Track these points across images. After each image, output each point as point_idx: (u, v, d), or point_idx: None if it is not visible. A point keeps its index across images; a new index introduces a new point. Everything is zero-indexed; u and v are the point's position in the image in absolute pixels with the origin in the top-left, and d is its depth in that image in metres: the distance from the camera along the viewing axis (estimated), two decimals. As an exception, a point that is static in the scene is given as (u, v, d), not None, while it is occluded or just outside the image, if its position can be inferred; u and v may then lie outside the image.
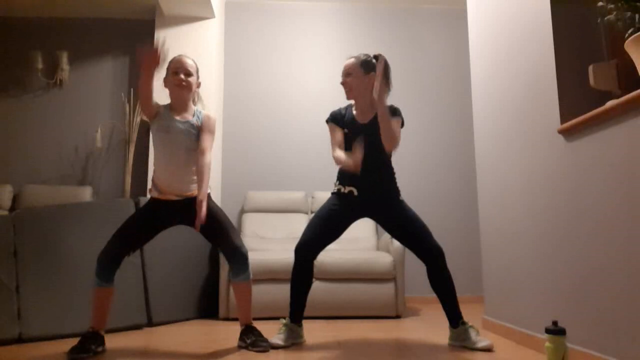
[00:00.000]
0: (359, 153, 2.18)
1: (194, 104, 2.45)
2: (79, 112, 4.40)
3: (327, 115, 4.53)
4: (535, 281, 2.27)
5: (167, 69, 2.39)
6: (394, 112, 2.41)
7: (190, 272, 3.35)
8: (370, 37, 4.71)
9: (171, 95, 2.38)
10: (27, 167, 4.29)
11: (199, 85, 2.44)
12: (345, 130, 2.46)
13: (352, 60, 2.46)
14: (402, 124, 2.46)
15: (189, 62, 2.37)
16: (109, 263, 2.23)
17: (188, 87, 2.36)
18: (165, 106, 2.39)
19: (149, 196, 2.40)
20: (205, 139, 2.34)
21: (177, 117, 2.35)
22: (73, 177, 4.31)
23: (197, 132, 2.36)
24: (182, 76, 2.34)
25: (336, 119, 2.49)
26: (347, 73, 2.45)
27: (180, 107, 2.38)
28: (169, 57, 3.66)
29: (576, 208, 1.94)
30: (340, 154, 2.34)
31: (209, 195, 2.41)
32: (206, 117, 2.39)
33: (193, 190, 2.35)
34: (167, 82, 2.38)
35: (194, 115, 2.39)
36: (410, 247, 2.38)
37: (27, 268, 2.60)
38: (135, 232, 2.29)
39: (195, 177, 2.35)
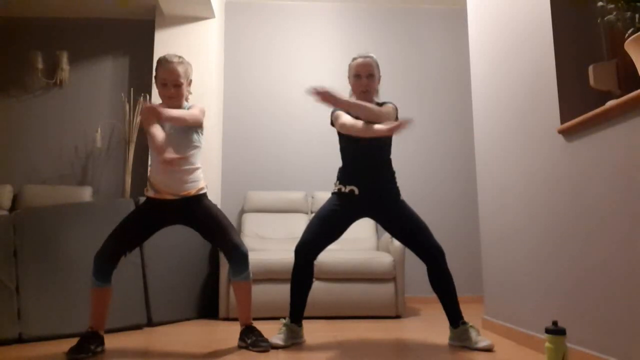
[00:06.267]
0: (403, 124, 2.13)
1: (186, 100, 2.44)
2: (79, 112, 4.40)
3: (327, 115, 4.54)
4: (535, 281, 2.27)
5: (156, 72, 2.35)
6: (386, 102, 2.46)
7: (190, 272, 3.35)
8: (370, 37, 4.71)
9: (162, 100, 2.37)
10: (27, 167, 4.30)
11: (190, 83, 2.41)
12: None
13: (370, 60, 2.45)
14: (396, 117, 2.46)
15: (177, 71, 2.30)
16: (105, 263, 2.23)
17: (178, 97, 2.34)
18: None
19: (145, 196, 2.39)
20: (193, 108, 2.34)
21: None
22: (73, 177, 4.31)
23: (188, 128, 2.34)
24: (172, 90, 2.31)
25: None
26: (371, 74, 2.44)
27: (172, 108, 2.37)
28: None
29: (576, 208, 1.94)
30: (350, 118, 2.32)
31: (205, 195, 2.40)
32: (192, 105, 2.39)
33: (189, 189, 2.34)
34: (156, 87, 2.36)
35: None
36: (410, 247, 2.39)
37: (27, 268, 2.60)
38: (131, 231, 2.28)
39: (191, 177, 2.35)
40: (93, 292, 2.23)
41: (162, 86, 2.32)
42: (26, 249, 2.62)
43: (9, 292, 2.52)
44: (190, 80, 2.42)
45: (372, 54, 2.49)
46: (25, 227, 2.65)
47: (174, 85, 2.31)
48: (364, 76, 2.44)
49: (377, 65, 2.48)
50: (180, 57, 2.35)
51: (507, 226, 2.55)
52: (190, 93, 2.46)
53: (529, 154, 2.31)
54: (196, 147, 2.38)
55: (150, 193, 2.34)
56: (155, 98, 4.04)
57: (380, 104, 2.49)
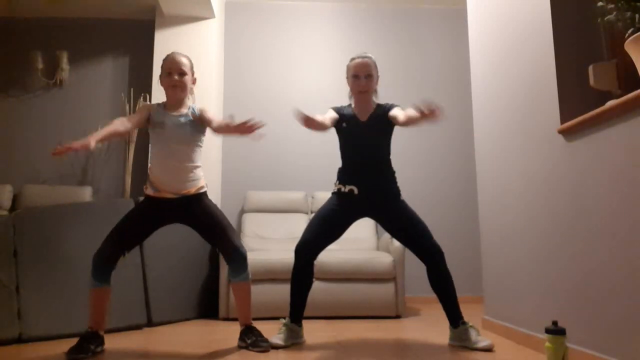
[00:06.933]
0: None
1: (191, 94, 2.46)
2: (79, 112, 4.40)
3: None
4: (535, 281, 2.27)
5: (162, 67, 2.38)
6: (394, 105, 2.48)
7: (190, 272, 3.35)
8: (371, 37, 4.71)
9: (167, 94, 2.39)
10: (27, 167, 4.29)
11: (194, 81, 2.45)
12: (344, 124, 2.47)
13: (368, 60, 2.46)
14: None
15: (182, 61, 2.37)
16: (104, 263, 2.23)
17: (183, 87, 2.36)
18: (159, 104, 2.42)
19: (144, 194, 2.40)
20: (210, 116, 2.35)
21: (172, 113, 2.37)
22: (73, 177, 4.31)
23: (192, 126, 2.36)
24: (176, 77, 2.34)
25: (337, 110, 2.52)
26: (369, 74, 2.45)
27: (176, 105, 2.40)
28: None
29: (576, 208, 1.94)
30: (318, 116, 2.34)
31: (205, 194, 2.41)
32: (201, 109, 2.41)
33: (189, 188, 2.35)
34: (162, 82, 2.39)
35: (188, 109, 2.40)
36: (410, 247, 2.39)
37: (27, 268, 2.60)
38: (130, 231, 2.28)
39: (191, 175, 2.35)
40: (92, 292, 2.23)
41: (167, 75, 2.35)
42: (26, 249, 2.62)
43: (9, 292, 2.52)
44: (195, 79, 2.46)
45: (370, 54, 2.50)
46: (25, 227, 2.65)
47: (178, 73, 2.35)
48: (363, 76, 2.44)
49: (375, 66, 2.49)
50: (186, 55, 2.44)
51: (507, 226, 2.55)
52: (192, 93, 2.47)
53: (529, 154, 2.31)
54: (199, 145, 2.40)
55: (150, 191, 2.35)
56: (155, 98, 4.04)
57: (383, 105, 2.49)
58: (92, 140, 2.05)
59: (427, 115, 1.96)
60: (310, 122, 2.16)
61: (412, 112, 2.19)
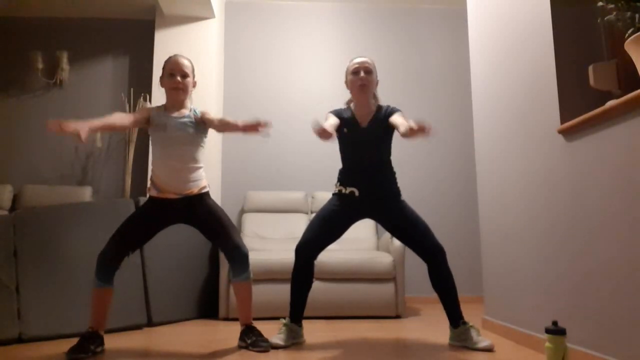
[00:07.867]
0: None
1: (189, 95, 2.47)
2: (79, 112, 4.40)
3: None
4: (535, 281, 2.27)
5: (163, 69, 2.40)
6: (395, 110, 2.46)
7: (190, 272, 3.35)
8: (370, 37, 4.71)
9: (167, 96, 2.40)
10: (27, 167, 4.29)
11: (194, 84, 2.46)
12: (345, 129, 2.47)
13: (367, 59, 2.49)
14: None
15: (185, 63, 2.38)
16: (108, 264, 2.23)
17: (184, 89, 2.38)
18: (159, 107, 2.42)
19: (148, 195, 2.40)
20: (212, 117, 2.36)
21: (173, 115, 2.37)
22: (73, 177, 4.31)
23: (194, 127, 2.37)
24: (179, 78, 2.35)
25: (337, 114, 2.51)
26: (369, 70, 2.47)
27: (177, 106, 2.40)
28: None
29: (576, 208, 1.94)
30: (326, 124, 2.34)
31: (208, 194, 2.41)
32: (203, 112, 2.42)
33: (192, 188, 2.35)
34: (163, 83, 2.40)
35: (190, 111, 2.42)
36: (411, 247, 2.39)
37: (27, 268, 2.60)
38: (134, 232, 2.29)
39: (193, 175, 2.36)
40: (95, 292, 2.24)
41: (169, 76, 2.37)
42: (26, 249, 2.62)
43: (9, 292, 2.52)
44: (195, 82, 2.47)
45: (361, 56, 2.53)
46: (25, 227, 2.65)
47: (181, 75, 2.36)
48: (362, 71, 2.45)
49: (374, 67, 2.50)
50: (187, 58, 2.46)
51: (507, 226, 2.55)
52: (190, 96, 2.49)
53: (529, 154, 2.31)
54: (201, 146, 2.41)
55: (154, 192, 2.35)
56: (155, 98, 4.04)
57: (384, 108, 2.49)
58: (86, 129, 2.02)
59: (417, 131, 1.99)
60: (325, 134, 2.14)
61: (412, 124, 2.19)
